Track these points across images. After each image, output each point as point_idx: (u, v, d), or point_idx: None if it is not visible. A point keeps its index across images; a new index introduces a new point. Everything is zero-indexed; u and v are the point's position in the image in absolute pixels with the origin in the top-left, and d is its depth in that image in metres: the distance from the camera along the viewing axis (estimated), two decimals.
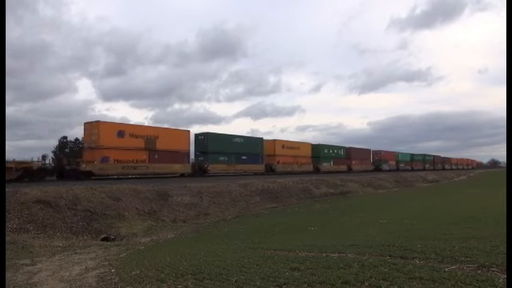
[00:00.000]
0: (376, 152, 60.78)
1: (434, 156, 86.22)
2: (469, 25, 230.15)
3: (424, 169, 73.60)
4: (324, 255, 5.15)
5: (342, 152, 50.18)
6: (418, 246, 5.13)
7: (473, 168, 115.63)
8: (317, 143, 46.59)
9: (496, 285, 3.24)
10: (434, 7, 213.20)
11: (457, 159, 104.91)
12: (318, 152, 45.10)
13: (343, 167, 49.15)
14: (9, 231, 10.65)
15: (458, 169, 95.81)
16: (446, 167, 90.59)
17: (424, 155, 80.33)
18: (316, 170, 43.07)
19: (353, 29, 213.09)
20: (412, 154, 74.84)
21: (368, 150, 58.75)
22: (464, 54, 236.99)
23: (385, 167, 59.50)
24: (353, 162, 51.49)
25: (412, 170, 67.63)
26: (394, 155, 65.98)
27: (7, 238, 9.56)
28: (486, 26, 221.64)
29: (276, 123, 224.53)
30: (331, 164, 47.42)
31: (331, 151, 48.16)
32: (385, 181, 38.63)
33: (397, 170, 62.36)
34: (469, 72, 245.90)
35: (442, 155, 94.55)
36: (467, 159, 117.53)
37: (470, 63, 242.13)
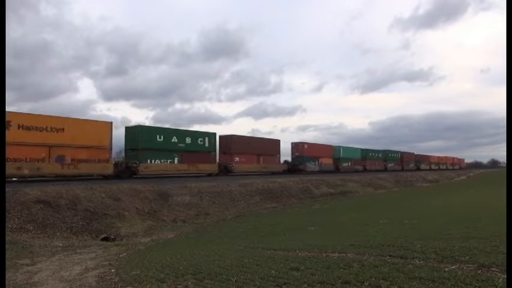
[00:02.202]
0: (296, 146, 41.85)
1: (402, 153, 67.36)
2: (472, 25, 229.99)
3: (386, 170, 56.21)
4: (324, 255, 5.16)
5: (204, 142, 28.30)
6: (418, 246, 5.13)
7: (460, 168, 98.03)
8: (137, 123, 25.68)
9: (496, 285, 3.24)
10: (438, 7, 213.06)
11: (438, 157, 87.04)
12: (136, 140, 23.90)
13: (205, 167, 28.15)
14: (9, 231, 10.65)
15: (440, 169, 78.84)
16: (423, 166, 72.43)
17: (386, 152, 61.40)
18: (130, 173, 23.19)
19: (355, 28, 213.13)
20: (366, 150, 55.17)
21: (275, 142, 37.70)
22: (467, 54, 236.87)
23: (310, 166, 41.65)
24: (236, 159, 31.64)
25: (365, 171, 50.46)
26: (331, 150, 46.69)
27: (7, 238, 9.56)
28: (489, 25, 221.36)
29: (277, 123, 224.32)
30: (175, 162, 26.06)
31: (174, 139, 26.12)
32: (386, 181, 38.71)
33: (336, 171, 44.79)
34: (471, 72, 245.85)
35: (417, 152, 76.94)
36: (453, 158, 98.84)
37: (473, 63, 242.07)
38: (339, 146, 49.18)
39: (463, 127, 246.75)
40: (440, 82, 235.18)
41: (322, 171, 41.98)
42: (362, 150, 54.03)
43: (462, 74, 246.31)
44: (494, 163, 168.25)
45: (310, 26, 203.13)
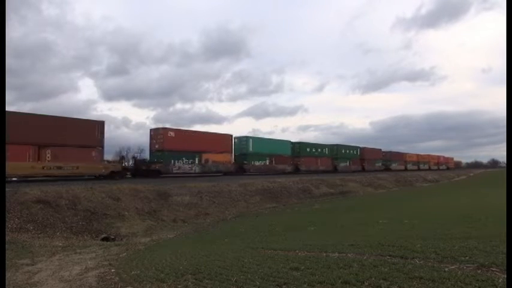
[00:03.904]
0: (156, 134, 26.73)
1: (362, 149, 52.14)
2: (474, 24, 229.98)
3: (335, 170, 43.97)
4: (324, 255, 5.15)
5: None
6: (418, 246, 5.12)
7: (448, 168, 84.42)
8: None
9: (496, 285, 3.24)
10: (440, 7, 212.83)
11: (418, 155, 72.45)
12: None
13: None
14: (9, 231, 10.65)
15: (419, 169, 66.34)
16: (395, 166, 59.44)
17: (337, 147, 46.78)
18: None
19: (357, 28, 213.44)
20: (300, 143, 41.13)
21: (90, 125, 22.29)
22: (469, 54, 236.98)
23: (182, 166, 27.54)
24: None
25: (298, 172, 37.69)
26: (229, 143, 31.73)
27: (7, 238, 9.56)
28: (491, 25, 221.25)
29: (279, 123, 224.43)
30: None
31: None
32: (385, 181, 38.78)
33: (240, 173, 31.31)
34: (473, 71, 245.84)
35: (384, 148, 62.01)
36: (439, 157, 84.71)
37: (475, 62, 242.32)
38: (246, 137, 34.14)
39: (464, 127, 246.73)
40: (441, 82, 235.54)
41: (207, 174, 28.85)
42: (294, 143, 40.60)
43: (464, 74, 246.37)
44: (494, 163, 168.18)
45: (312, 26, 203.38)
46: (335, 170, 44.74)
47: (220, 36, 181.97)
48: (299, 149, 40.59)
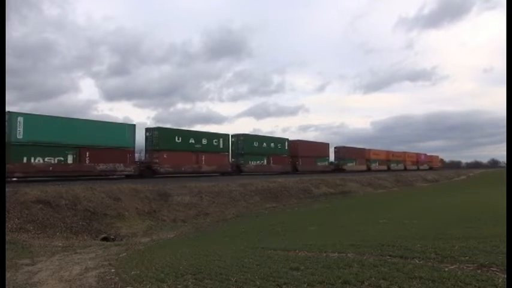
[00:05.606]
0: None
1: (292, 142, 36.62)
2: (476, 24, 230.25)
3: (239, 172, 30.42)
4: (324, 255, 5.15)
5: None
6: (418, 246, 5.12)
7: (431, 169, 70.19)
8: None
9: (496, 285, 3.24)
10: (442, 6, 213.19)
11: (387, 152, 56.00)
12: None
13: None
14: (9, 231, 10.64)
15: (389, 170, 52.08)
16: (351, 166, 45.39)
17: (244, 137, 31.61)
18: None
19: (359, 28, 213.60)
20: (159, 129, 25.17)
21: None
22: (470, 54, 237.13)
23: None
24: None
25: (148, 176, 23.01)
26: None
27: (7, 238, 9.56)
28: (494, 25, 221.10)
29: (279, 122, 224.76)
30: None
31: None
32: (385, 181, 38.81)
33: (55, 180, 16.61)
34: (474, 71, 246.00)
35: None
36: (419, 155, 68.61)
37: (476, 62, 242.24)
38: (16, 114, 17.84)
39: (465, 127, 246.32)
40: (443, 82, 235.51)
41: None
42: (150, 130, 25.46)
43: (465, 74, 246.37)
44: (494, 163, 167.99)
45: (313, 26, 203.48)
46: (238, 172, 30.52)
47: (221, 36, 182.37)
48: (158, 140, 24.67)
